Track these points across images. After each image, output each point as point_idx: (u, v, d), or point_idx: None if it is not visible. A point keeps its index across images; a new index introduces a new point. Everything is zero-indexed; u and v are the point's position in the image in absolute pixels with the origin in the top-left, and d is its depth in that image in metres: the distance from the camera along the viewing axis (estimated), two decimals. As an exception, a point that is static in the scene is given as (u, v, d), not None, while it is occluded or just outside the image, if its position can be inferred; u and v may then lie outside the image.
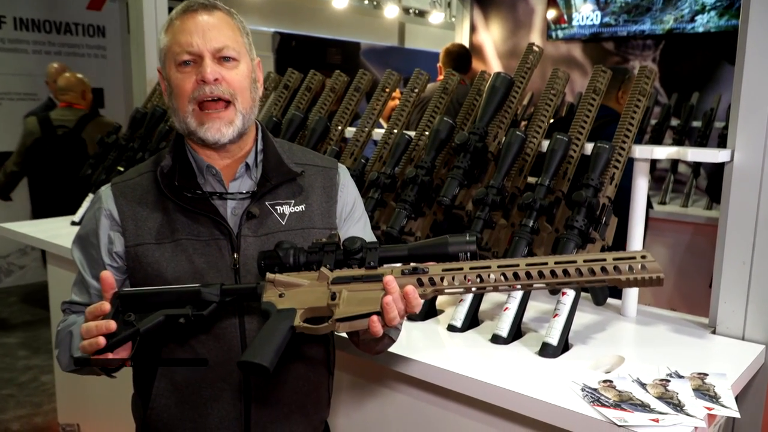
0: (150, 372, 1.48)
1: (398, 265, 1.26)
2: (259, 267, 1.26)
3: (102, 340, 1.24)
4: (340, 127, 2.62)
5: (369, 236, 1.56)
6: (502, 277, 1.19)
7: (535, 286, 1.19)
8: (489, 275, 1.20)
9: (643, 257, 1.15)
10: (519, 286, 1.20)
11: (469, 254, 1.21)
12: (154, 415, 1.48)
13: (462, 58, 4.69)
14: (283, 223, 1.44)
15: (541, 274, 1.18)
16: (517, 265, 1.19)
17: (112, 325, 1.25)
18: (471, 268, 1.21)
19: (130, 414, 1.57)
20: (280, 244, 1.29)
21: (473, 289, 1.21)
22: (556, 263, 1.18)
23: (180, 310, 1.28)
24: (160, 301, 1.28)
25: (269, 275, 1.28)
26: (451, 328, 1.97)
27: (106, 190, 1.48)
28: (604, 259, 1.16)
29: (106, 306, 1.28)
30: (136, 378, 1.55)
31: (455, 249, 1.22)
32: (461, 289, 1.22)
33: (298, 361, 1.48)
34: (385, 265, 1.26)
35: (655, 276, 1.14)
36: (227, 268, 1.40)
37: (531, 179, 2.12)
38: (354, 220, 1.54)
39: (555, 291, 1.96)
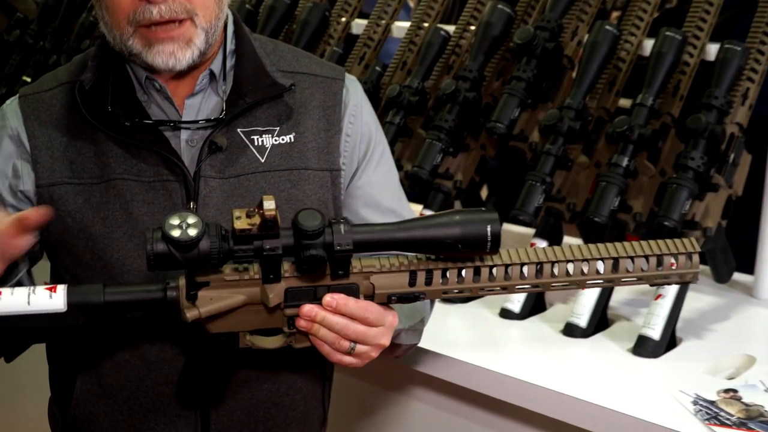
0: (69, 368, 1.50)
1: (374, 264, 1.25)
2: (150, 264, 1.19)
3: None
4: (344, 19, 2.60)
5: (394, 191, 1.58)
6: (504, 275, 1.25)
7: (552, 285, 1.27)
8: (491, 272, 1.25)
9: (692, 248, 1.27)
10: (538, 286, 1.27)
11: (491, 240, 1.20)
12: (76, 427, 1.50)
13: None
14: (262, 160, 1.45)
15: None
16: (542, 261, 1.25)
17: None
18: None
19: (47, 425, 1.60)
20: (169, 224, 1.18)
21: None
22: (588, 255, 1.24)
23: None
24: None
25: (180, 281, 1.25)
26: (506, 313, 2.00)
27: (11, 105, 1.50)
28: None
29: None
30: (52, 375, 1.57)
31: (472, 231, 1.21)
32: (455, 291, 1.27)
33: (278, 361, 1.51)
34: (364, 264, 1.25)
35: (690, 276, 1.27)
36: None
37: (625, 101, 2.11)
38: (372, 164, 1.55)
39: None
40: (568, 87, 2.16)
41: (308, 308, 1.24)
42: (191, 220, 1.17)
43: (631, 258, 1.25)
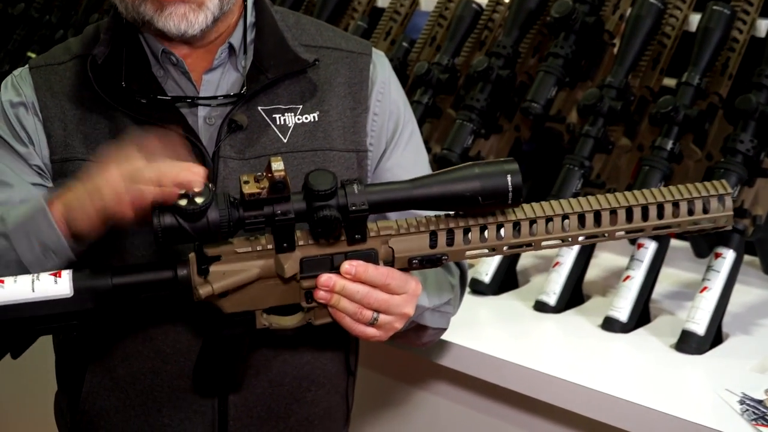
0: (78, 359, 1.50)
1: (391, 225, 1.26)
2: (158, 240, 1.20)
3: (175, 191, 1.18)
4: (369, -10, 2.61)
5: (423, 173, 1.55)
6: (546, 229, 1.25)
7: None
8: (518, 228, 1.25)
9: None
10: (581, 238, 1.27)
11: (512, 191, 1.20)
12: (85, 422, 1.51)
13: None
14: (285, 141, 1.46)
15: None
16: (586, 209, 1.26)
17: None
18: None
19: (52, 420, 1.61)
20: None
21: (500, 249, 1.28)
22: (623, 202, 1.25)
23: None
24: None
25: (191, 257, 1.26)
26: (541, 306, 2.00)
27: (21, 73, 1.50)
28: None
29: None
30: (60, 368, 1.57)
31: (492, 183, 1.21)
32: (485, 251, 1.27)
33: (299, 354, 1.52)
34: (381, 227, 1.26)
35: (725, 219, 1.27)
36: None
37: (670, 80, 2.11)
38: (401, 145, 1.55)
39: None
40: (609, 64, 2.15)
41: (326, 277, 1.24)
42: (198, 188, 1.17)
43: (660, 204, 1.25)
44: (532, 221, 1.25)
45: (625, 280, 1.91)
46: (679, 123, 1.93)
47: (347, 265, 1.24)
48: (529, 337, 1.89)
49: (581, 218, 1.25)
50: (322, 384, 1.54)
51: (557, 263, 2.01)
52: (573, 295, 2.01)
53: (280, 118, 1.46)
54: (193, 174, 1.18)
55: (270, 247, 1.24)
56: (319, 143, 1.47)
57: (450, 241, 1.25)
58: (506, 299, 2.08)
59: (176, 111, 1.44)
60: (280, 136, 1.45)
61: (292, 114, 1.46)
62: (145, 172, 1.19)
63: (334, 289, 1.24)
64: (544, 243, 1.27)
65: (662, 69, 2.09)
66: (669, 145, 1.93)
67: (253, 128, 1.44)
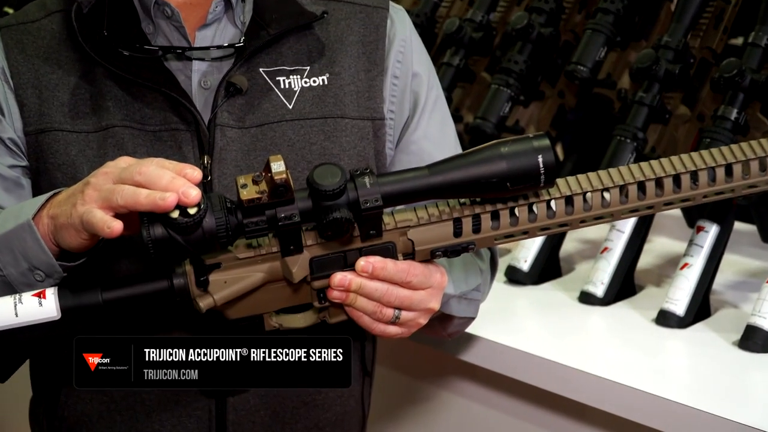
0: (54, 360, 1.49)
1: (410, 216, 1.25)
2: (149, 254, 1.18)
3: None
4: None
5: (450, 146, 1.57)
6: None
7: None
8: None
9: None
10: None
11: (544, 171, 1.19)
12: (64, 429, 1.51)
13: None
14: (290, 107, 1.46)
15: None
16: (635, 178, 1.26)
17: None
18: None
19: (27, 429, 1.60)
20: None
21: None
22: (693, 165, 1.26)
23: None
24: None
25: (188, 267, 1.25)
26: (587, 297, 2.01)
27: None
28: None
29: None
30: (35, 371, 1.57)
31: (521, 164, 1.20)
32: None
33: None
34: (398, 219, 1.25)
35: None
36: None
37: (735, 40, 2.11)
38: (426, 113, 1.55)
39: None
40: (665, 22, 2.15)
41: (340, 277, 1.24)
42: (190, 199, 1.15)
43: (711, 169, 1.26)
44: (568, 198, 1.24)
45: (682, 268, 1.91)
46: (744, 89, 1.91)
47: (363, 263, 1.24)
48: (573, 333, 1.89)
49: (623, 190, 1.24)
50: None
51: (606, 249, 2.01)
52: (623, 286, 2.01)
53: (284, 81, 1.46)
54: (189, 178, 1.16)
55: (275, 249, 1.24)
56: (329, 110, 1.46)
57: (476, 228, 1.25)
58: (547, 289, 2.09)
59: (167, 72, 1.43)
60: (285, 101, 1.45)
61: (298, 76, 1.46)
62: (134, 173, 1.17)
63: (350, 288, 1.24)
64: (582, 222, 1.26)
65: (726, 28, 2.08)
66: (733, 115, 1.91)
67: (254, 92, 1.44)
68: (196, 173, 1.17)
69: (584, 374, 1.71)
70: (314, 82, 1.47)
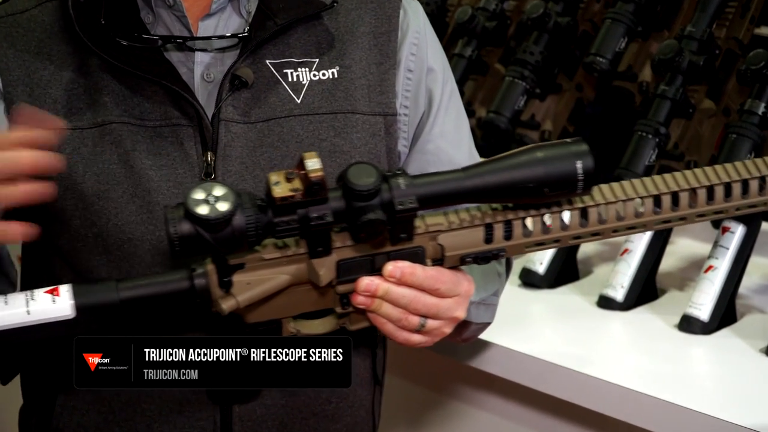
0: (48, 366, 1.48)
1: (441, 220, 1.25)
2: (173, 250, 1.19)
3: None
4: None
5: (465, 144, 1.58)
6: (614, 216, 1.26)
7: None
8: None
9: None
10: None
11: (583, 178, 1.19)
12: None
13: None
14: (298, 101, 1.45)
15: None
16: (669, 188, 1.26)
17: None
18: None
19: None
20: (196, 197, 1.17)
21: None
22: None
23: None
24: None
25: (209, 267, 1.24)
26: (605, 302, 2.00)
27: None
28: None
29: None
30: (26, 378, 1.55)
31: (559, 169, 1.20)
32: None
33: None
34: (429, 222, 1.25)
35: None
36: (192, 182, 1.40)
37: (762, 30, 2.12)
38: (443, 108, 1.56)
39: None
40: (689, 11, 2.13)
41: (367, 282, 1.23)
42: (219, 191, 1.14)
43: (745, 181, 1.27)
44: (601, 206, 1.25)
45: (706, 271, 1.90)
46: (774, 83, 1.91)
47: (391, 267, 1.23)
48: (591, 340, 1.88)
49: (657, 201, 1.25)
50: (344, 395, 1.53)
51: (626, 250, 2.00)
52: (644, 289, 2.00)
53: (292, 73, 1.45)
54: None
55: (302, 251, 1.23)
56: (340, 104, 1.46)
57: (508, 234, 1.25)
58: (564, 293, 2.09)
59: (168, 64, 1.42)
60: (293, 95, 1.45)
61: (307, 69, 1.46)
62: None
63: (376, 294, 1.24)
64: (614, 231, 1.27)
65: (753, 17, 2.09)
66: (761, 109, 1.90)
67: (260, 85, 1.44)
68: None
69: (603, 383, 1.70)
70: (323, 75, 1.47)
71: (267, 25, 1.43)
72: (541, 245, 1.27)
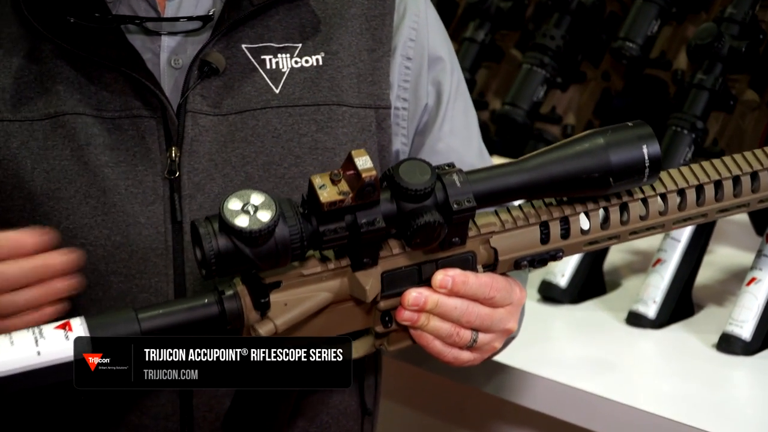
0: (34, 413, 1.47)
1: (493, 220, 1.24)
2: (208, 270, 1.18)
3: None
4: None
5: (474, 141, 1.59)
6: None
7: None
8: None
9: None
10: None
11: (649, 165, 1.19)
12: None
13: None
14: (277, 91, 1.44)
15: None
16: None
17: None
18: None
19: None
20: (231, 205, 1.15)
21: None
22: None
23: None
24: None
25: (240, 287, 1.22)
26: (635, 318, 1.98)
27: None
28: None
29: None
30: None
31: (627, 155, 1.20)
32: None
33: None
34: (480, 224, 1.24)
35: None
36: (154, 180, 1.40)
37: None
38: (451, 101, 1.55)
39: None
40: None
41: (415, 295, 1.21)
42: (257, 199, 1.12)
43: None
44: (663, 196, 1.26)
45: (749, 283, 1.87)
46: (826, 72, 1.92)
47: (441, 276, 1.22)
48: (619, 361, 1.87)
49: (718, 187, 1.26)
50: (325, 426, 1.51)
51: (659, 261, 1.99)
52: (679, 305, 1.99)
53: (271, 60, 1.44)
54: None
55: (344, 264, 1.21)
56: (324, 95, 1.45)
57: (565, 233, 1.25)
58: (589, 309, 2.07)
59: (129, 48, 1.39)
60: (271, 84, 1.43)
61: (288, 55, 1.45)
62: None
63: (425, 308, 1.23)
64: (674, 224, 1.28)
65: None
66: None
67: (233, 73, 1.42)
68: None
69: (633, 410, 1.68)
70: (306, 62, 1.45)
71: (242, 5, 1.41)
72: (595, 243, 1.27)
